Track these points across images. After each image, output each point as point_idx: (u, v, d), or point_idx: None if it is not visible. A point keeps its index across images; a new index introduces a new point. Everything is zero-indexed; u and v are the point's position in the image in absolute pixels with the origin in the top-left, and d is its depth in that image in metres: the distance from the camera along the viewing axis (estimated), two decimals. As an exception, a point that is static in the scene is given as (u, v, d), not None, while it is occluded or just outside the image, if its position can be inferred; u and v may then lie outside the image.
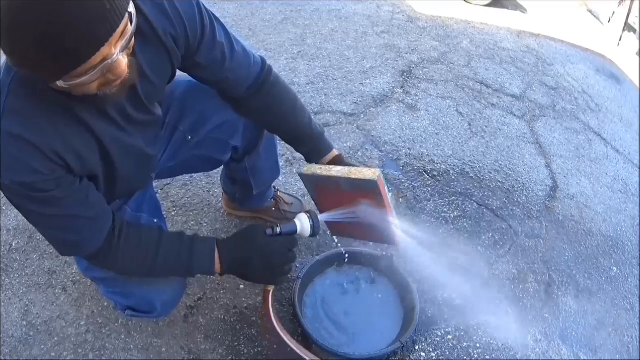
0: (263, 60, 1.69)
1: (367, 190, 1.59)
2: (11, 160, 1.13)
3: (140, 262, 1.47)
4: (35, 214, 1.28)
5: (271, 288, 1.75)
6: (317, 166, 1.76)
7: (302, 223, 1.64)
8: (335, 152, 1.83)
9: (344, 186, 1.64)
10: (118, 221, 1.44)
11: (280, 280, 1.68)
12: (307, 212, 1.66)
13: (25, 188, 1.18)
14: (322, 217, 1.73)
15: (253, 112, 1.75)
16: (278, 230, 1.60)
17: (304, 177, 1.76)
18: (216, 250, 1.54)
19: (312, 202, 2.00)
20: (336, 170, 1.65)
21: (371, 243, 2.15)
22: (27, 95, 1.13)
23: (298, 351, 1.69)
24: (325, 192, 1.79)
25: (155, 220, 1.72)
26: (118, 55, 1.03)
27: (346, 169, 1.63)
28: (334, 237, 2.04)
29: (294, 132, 1.79)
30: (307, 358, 1.69)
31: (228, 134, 1.81)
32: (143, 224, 1.67)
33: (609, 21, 5.43)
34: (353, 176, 1.59)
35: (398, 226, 1.74)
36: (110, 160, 1.36)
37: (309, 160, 1.84)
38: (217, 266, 1.55)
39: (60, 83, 1.02)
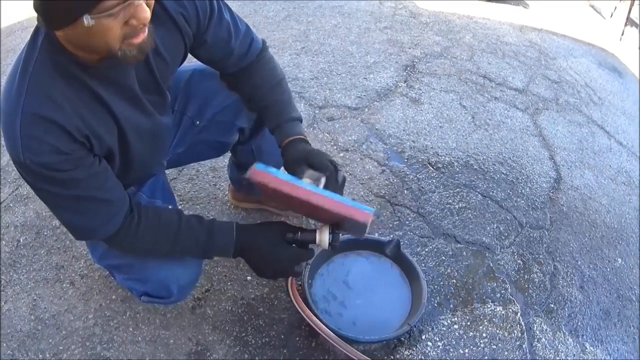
0: (264, 42, 1.73)
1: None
2: (33, 141, 1.15)
3: (161, 240, 1.49)
4: (53, 196, 1.30)
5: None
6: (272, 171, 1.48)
7: (322, 236, 1.58)
8: (300, 137, 1.69)
9: (295, 200, 1.47)
10: (135, 203, 1.46)
11: (277, 277, 1.65)
12: (330, 225, 1.60)
13: (46, 168, 1.19)
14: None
15: (240, 85, 1.75)
16: (298, 234, 1.59)
17: (252, 174, 1.48)
18: (234, 230, 1.55)
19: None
20: (290, 182, 1.45)
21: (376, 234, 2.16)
22: (50, 75, 1.16)
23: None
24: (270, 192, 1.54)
25: (170, 207, 1.72)
26: None
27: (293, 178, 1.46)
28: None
29: (265, 107, 1.72)
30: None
31: (233, 115, 1.83)
32: (161, 205, 1.68)
33: (611, 16, 5.43)
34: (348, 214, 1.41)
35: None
36: (126, 141, 1.38)
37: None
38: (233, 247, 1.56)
39: (86, 19, 1.02)
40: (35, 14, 1.09)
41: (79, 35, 1.09)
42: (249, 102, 1.82)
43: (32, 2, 1.05)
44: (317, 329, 1.74)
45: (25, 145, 1.15)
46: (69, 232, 2.08)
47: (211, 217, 2.31)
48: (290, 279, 1.84)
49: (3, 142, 2.74)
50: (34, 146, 1.16)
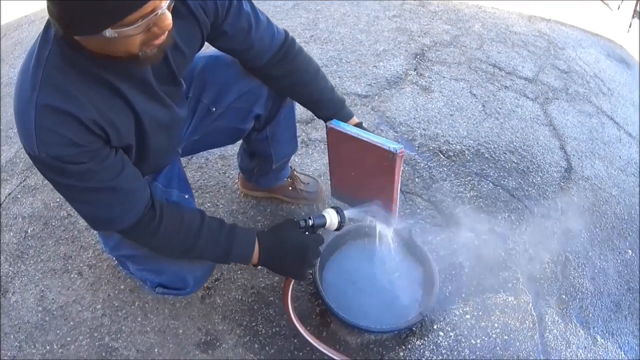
0: (286, 32, 1.71)
1: (386, 161, 1.61)
2: (48, 134, 1.14)
3: (181, 241, 1.48)
4: (69, 188, 1.29)
5: (292, 280, 1.77)
6: (347, 125, 1.76)
7: (331, 217, 1.71)
8: (355, 120, 1.84)
9: (366, 151, 1.65)
10: (158, 201, 1.45)
11: (307, 275, 1.73)
12: (334, 207, 1.73)
13: (62, 161, 1.18)
14: (347, 212, 1.78)
15: (276, 79, 1.75)
16: (310, 222, 1.66)
17: (331, 132, 1.75)
18: (256, 242, 1.57)
19: (329, 183, 2.01)
20: (364, 133, 1.66)
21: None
22: (64, 68, 1.14)
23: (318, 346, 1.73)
24: (343, 153, 1.80)
25: (186, 196, 1.73)
26: (164, 8, 1.05)
27: (374, 135, 1.65)
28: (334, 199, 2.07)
29: (315, 96, 1.79)
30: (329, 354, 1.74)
31: (251, 102, 1.82)
32: (184, 205, 1.67)
33: (618, 8, 5.40)
34: (378, 143, 1.60)
35: (396, 211, 1.80)
36: (143, 131, 1.37)
37: None
38: (255, 256, 1.58)
39: (108, 32, 1.01)
40: (45, 13, 1.07)
41: (98, 42, 1.08)
42: (291, 93, 1.85)
43: (44, 3, 1.03)
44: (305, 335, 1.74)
45: (39, 138, 1.14)
46: (76, 223, 2.08)
47: (218, 207, 2.32)
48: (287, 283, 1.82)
49: (2, 137, 2.76)
50: (49, 139, 1.15)
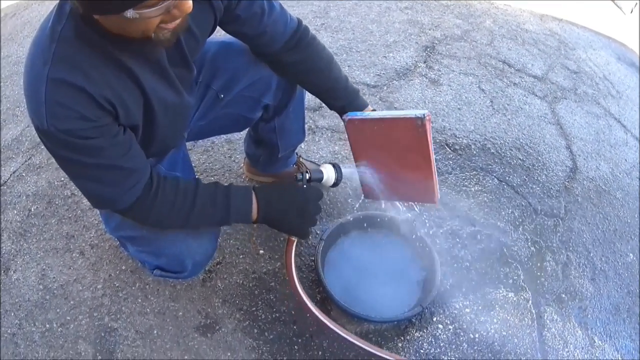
0: (299, 20, 1.70)
1: (415, 132, 1.56)
2: (58, 107, 1.13)
3: (178, 209, 1.47)
4: (74, 164, 1.28)
5: (295, 240, 1.76)
6: (363, 112, 1.73)
7: (328, 172, 1.73)
8: (370, 108, 1.81)
9: (391, 130, 1.62)
10: (155, 173, 1.45)
11: (309, 231, 1.68)
12: (331, 163, 1.71)
13: (70, 135, 1.17)
14: (344, 169, 1.76)
15: (288, 66, 1.73)
16: (308, 176, 1.67)
17: (350, 123, 1.72)
18: (253, 195, 1.55)
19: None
20: (383, 113, 1.64)
21: (397, 208, 2.15)
22: (77, 44, 1.14)
23: (320, 316, 1.72)
24: (368, 143, 1.74)
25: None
26: None
27: (393, 112, 1.62)
28: (366, 200, 2.04)
29: (329, 85, 1.77)
30: (327, 322, 1.71)
31: (260, 91, 1.80)
32: (178, 175, 1.67)
33: (631, 12, 5.39)
34: (402, 116, 1.57)
35: (436, 180, 1.71)
36: (151, 112, 1.36)
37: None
38: (254, 212, 1.56)
39: (130, 13, 1.01)
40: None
41: (117, 21, 1.08)
42: (304, 83, 1.83)
43: None
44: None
45: (49, 111, 1.13)
46: (80, 202, 2.08)
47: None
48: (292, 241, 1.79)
49: (3, 118, 2.76)
50: (59, 112, 1.14)
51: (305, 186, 1.66)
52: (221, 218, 1.54)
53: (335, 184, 1.74)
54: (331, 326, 1.69)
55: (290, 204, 1.60)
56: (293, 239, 1.76)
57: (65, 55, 1.13)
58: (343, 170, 1.75)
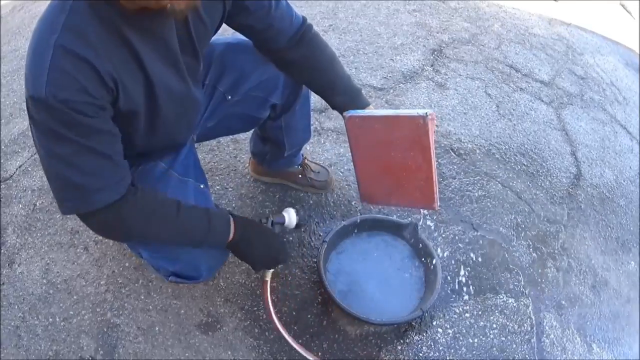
0: (304, 17, 1.71)
1: (417, 131, 1.53)
2: (61, 75, 1.10)
3: (159, 218, 1.43)
4: (59, 140, 1.18)
5: (269, 278, 1.78)
6: (364, 110, 1.71)
7: (290, 216, 1.79)
8: (372, 107, 1.79)
9: (392, 129, 1.59)
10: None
11: (273, 264, 1.73)
12: (294, 208, 1.82)
13: (66, 106, 1.12)
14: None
15: (292, 63, 1.74)
16: (271, 219, 1.72)
17: (350, 121, 1.68)
18: (232, 219, 1.57)
19: (339, 173, 2.01)
20: (384, 111, 1.63)
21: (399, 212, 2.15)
22: (88, 16, 1.12)
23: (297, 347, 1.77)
24: (367, 141, 1.71)
25: (202, 186, 1.72)
26: None
27: (395, 110, 1.61)
28: (365, 205, 2.04)
29: (331, 83, 1.76)
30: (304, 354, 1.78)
31: (267, 91, 1.81)
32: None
33: (640, 15, 5.37)
34: (404, 114, 1.54)
35: (437, 183, 1.68)
36: (154, 99, 1.34)
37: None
38: (231, 235, 1.56)
39: None
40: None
41: None
42: (307, 80, 1.83)
43: None
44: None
45: (51, 78, 1.09)
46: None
47: (227, 191, 2.34)
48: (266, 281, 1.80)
49: (10, 112, 2.75)
50: (61, 80, 1.10)
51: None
52: (200, 236, 1.50)
53: (297, 227, 1.81)
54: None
55: (262, 235, 1.64)
56: (267, 279, 1.77)
57: (75, 26, 1.10)
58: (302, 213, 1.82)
